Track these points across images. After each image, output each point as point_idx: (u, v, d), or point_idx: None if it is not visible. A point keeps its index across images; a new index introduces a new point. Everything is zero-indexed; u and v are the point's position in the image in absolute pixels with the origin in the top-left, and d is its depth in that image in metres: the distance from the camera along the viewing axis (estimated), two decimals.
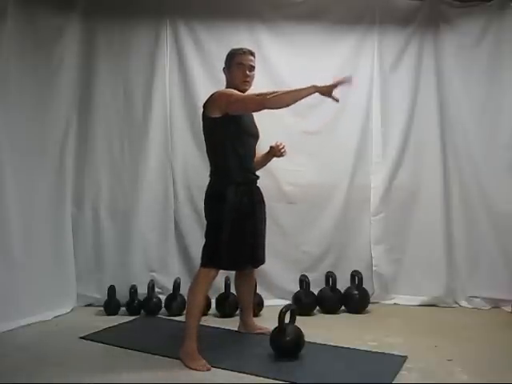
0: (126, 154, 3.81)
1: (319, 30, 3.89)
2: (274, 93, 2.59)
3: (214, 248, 2.69)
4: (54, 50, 3.57)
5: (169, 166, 3.82)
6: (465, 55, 3.81)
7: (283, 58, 3.87)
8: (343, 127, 3.91)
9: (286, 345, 2.70)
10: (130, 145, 3.80)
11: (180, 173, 3.84)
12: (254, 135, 2.90)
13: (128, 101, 3.79)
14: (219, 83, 3.81)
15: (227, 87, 2.84)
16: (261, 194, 2.95)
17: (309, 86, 2.57)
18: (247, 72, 2.81)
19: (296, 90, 2.60)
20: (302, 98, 2.59)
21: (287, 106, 2.64)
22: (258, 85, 3.83)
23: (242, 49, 2.84)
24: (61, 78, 3.62)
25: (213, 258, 2.69)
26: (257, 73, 3.84)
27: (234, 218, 2.69)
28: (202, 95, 3.79)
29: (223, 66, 2.90)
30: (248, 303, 3.14)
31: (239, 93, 2.70)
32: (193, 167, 3.82)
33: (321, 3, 3.88)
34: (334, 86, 2.56)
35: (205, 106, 2.75)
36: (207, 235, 2.74)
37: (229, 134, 2.69)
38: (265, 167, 3.79)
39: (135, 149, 3.79)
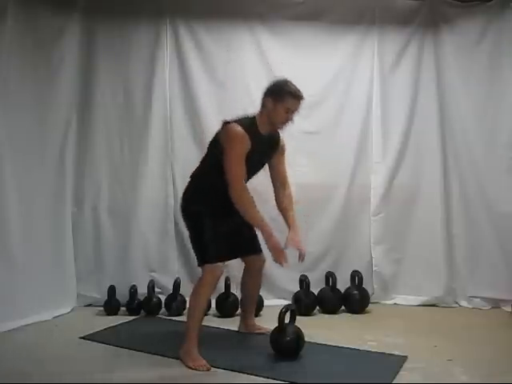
0: (126, 153, 3.81)
1: (319, 30, 3.89)
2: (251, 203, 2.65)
3: (202, 244, 2.68)
4: (53, 50, 3.57)
5: (169, 166, 3.82)
6: (465, 55, 3.81)
7: (283, 58, 3.86)
8: (343, 127, 3.92)
9: (286, 345, 2.70)
10: (129, 145, 3.81)
11: (180, 173, 3.83)
12: (255, 173, 2.85)
13: (128, 101, 3.79)
14: (219, 83, 3.84)
15: (261, 116, 2.73)
16: None
17: (269, 231, 2.66)
18: (292, 117, 2.73)
19: (258, 219, 2.66)
20: (254, 224, 2.71)
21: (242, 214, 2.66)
22: (258, 84, 3.85)
23: (297, 92, 2.68)
24: (61, 78, 3.62)
25: (206, 251, 2.67)
26: (256, 73, 3.88)
27: (213, 217, 2.68)
28: (202, 95, 3.82)
29: (266, 92, 2.73)
30: (252, 302, 3.15)
31: (238, 164, 2.59)
32: (193, 167, 3.81)
33: (321, 3, 3.89)
34: (279, 251, 2.66)
35: (218, 135, 2.70)
36: (192, 238, 2.75)
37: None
38: (265, 167, 3.79)
39: (135, 149, 3.80)
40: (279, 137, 2.91)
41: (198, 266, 2.72)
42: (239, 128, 2.61)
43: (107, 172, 3.80)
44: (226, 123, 2.68)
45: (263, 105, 2.74)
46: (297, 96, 2.69)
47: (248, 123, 2.67)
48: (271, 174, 2.96)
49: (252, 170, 2.77)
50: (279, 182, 2.94)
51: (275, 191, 2.96)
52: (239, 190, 2.62)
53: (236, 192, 2.61)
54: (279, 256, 2.67)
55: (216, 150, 2.70)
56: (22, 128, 3.37)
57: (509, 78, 3.71)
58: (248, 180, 2.78)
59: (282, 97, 2.67)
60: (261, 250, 3.02)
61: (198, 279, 2.74)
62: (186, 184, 2.88)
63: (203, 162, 2.87)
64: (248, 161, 2.64)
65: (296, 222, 2.89)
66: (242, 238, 2.89)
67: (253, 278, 3.07)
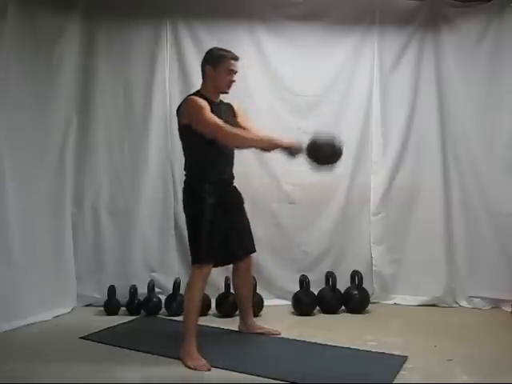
0: (126, 153, 3.81)
1: (319, 30, 3.89)
2: (242, 131, 2.79)
3: (197, 245, 2.74)
4: (54, 50, 3.57)
5: (169, 165, 3.81)
6: (465, 55, 3.81)
7: (283, 58, 3.87)
8: (343, 127, 3.91)
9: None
10: (130, 145, 3.81)
11: (180, 172, 3.81)
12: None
13: (128, 101, 3.79)
14: None
15: (206, 86, 2.86)
16: (236, 192, 3.01)
17: (273, 140, 2.67)
18: (234, 78, 2.86)
19: (258, 139, 2.73)
20: (260, 148, 2.75)
21: (244, 148, 2.87)
22: (258, 84, 3.86)
23: (231, 53, 2.85)
24: (61, 78, 3.62)
25: (198, 254, 2.73)
26: (257, 73, 3.88)
27: (208, 212, 2.72)
28: None
29: (204, 62, 2.87)
30: (246, 301, 3.14)
31: (208, 115, 2.66)
32: None
33: (321, 3, 3.88)
34: (290, 147, 2.68)
35: (178, 110, 2.82)
36: (189, 234, 2.80)
37: (200, 141, 2.70)
38: (265, 167, 3.79)
39: (135, 149, 3.80)
40: (233, 107, 3.01)
41: (192, 264, 2.76)
42: (191, 96, 2.79)
43: (107, 172, 3.80)
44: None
45: (204, 75, 2.87)
46: (234, 57, 2.86)
47: (195, 93, 2.83)
48: None
49: None
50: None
51: None
52: (223, 130, 2.65)
53: (222, 133, 2.65)
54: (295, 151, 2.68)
55: (183, 129, 2.79)
56: (22, 128, 3.37)
57: (509, 78, 3.70)
58: (220, 149, 2.79)
59: (221, 61, 2.82)
60: (253, 251, 3.06)
61: (189, 277, 2.77)
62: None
63: (182, 147, 2.91)
64: None
65: None
66: (235, 243, 2.94)
67: (240, 277, 3.09)
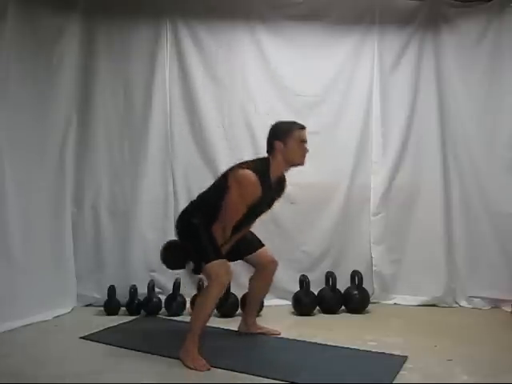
0: (126, 153, 3.81)
1: (319, 30, 3.89)
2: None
3: (202, 247, 2.67)
4: (54, 50, 3.58)
5: (169, 165, 3.82)
6: (465, 55, 3.81)
7: (283, 58, 3.87)
8: (343, 127, 3.92)
9: None
10: (130, 145, 3.81)
11: (180, 173, 3.84)
12: (260, 215, 2.87)
13: (128, 101, 3.79)
14: (219, 83, 3.84)
15: (275, 160, 2.74)
16: None
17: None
18: (307, 147, 2.76)
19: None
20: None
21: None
22: (258, 84, 3.87)
23: (297, 123, 2.77)
24: (61, 78, 3.62)
25: (206, 252, 2.65)
26: (256, 73, 3.89)
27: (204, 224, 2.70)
28: (202, 95, 3.82)
29: (271, 138, 2.75)
30: (257, 301, 3.15)
31: (235, 217, 2.65)
32: (193, 167, 3.82)
33: (321, 3, 3.89)
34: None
35: (235, 167, 2.71)
36: (193, 244, 2.72)
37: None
38: None
39: (135, 149, 3.80)
40: (285, 181, 2.93)
41: (207, 263, 2.65)
42: (254, 175, 2.61)
43: (107, 172, 3.80)
44: (238, 167, 2.69)
45: (273, 150, 2.74)
46: (301, 126, 2.77)
47: (261, 169, 2.68)
48: None
49: (257, 214, 2.82)
50: None
51: None
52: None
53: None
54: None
55: (223, 193, 2.66)
56: (22, 128, 3.37)
57: (509, 77, 3.70)
58: (250, 224, 2.88)
59: (289, 133, 2.72)
60: (262, 244, 3.03)
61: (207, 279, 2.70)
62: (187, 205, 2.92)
63: (207, 196, 2.84)
64: (254, 207, 2.67)
65: None
66: (241, 243, 2.90)
67: (264, 280, 3.05)
